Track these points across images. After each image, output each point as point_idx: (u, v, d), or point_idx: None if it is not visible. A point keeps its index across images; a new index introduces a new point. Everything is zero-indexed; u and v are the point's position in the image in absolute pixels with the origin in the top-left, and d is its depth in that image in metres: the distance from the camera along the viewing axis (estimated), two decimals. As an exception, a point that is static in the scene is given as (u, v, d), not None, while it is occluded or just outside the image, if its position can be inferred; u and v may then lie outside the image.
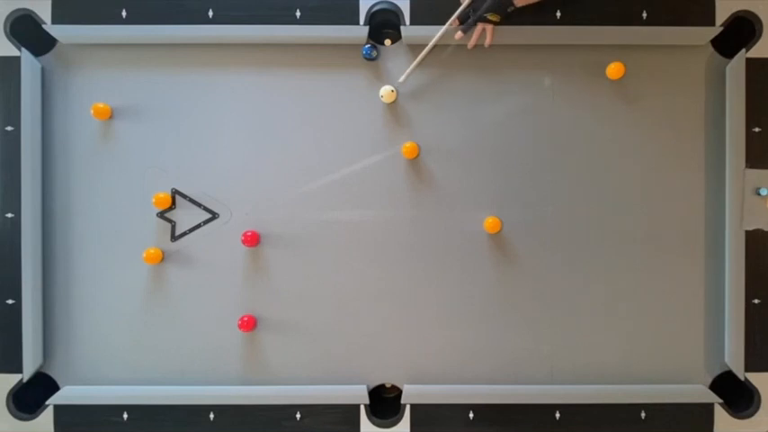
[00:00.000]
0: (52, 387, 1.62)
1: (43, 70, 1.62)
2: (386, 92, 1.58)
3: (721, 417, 1.57)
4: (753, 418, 1.57)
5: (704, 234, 1.63)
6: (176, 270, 1.64)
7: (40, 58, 1.63)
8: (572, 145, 1.64)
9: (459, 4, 1.56)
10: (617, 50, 1.61)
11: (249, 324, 1.60)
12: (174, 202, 1.64)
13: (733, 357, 1.58)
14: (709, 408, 1.58)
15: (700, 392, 1.58)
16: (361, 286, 1.64)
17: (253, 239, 1.60)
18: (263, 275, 1.64)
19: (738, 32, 1.59)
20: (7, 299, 1.59)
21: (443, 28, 1.57)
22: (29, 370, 1.58)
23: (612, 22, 1.59)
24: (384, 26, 1.64)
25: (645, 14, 1.59)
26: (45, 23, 1.59)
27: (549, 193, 1.64)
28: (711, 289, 1.62)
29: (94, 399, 1.58)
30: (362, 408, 1.58)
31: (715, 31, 1.58)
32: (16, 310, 1.58)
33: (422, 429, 1.57)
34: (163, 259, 1.64)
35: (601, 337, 1.63)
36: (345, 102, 1.64)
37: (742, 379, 1.58)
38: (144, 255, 1.61)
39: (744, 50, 1.58)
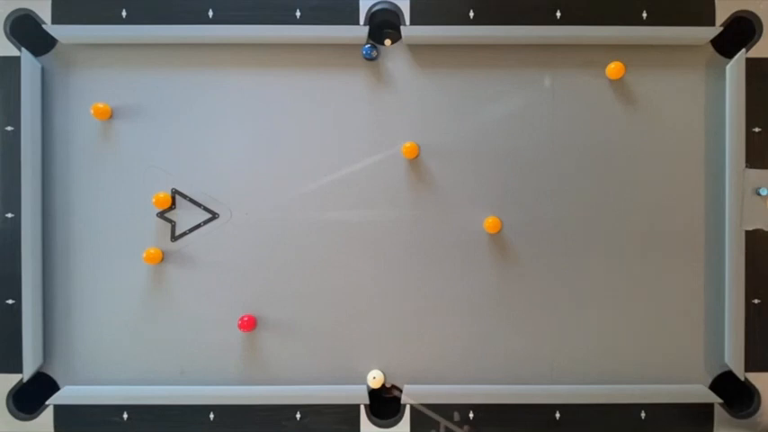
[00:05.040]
0: (52, 387, 1.62)
1: (43, 70, 1.62)
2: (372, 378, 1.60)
3: (721, 417, 1.57)
4: (753, 418, 1.57)
5: (704, 234, 1.63)
6: (176, 270, 1.64)
7: (40, 58, 1.63)
8: (572, 145, 1.64)
9: (458, 5, 1.56)
10: (617, 50, 1.61)
11: (249, 324, 1.60)
12: (174, 202, 1.64)
13: (733, 357, 1.58)
14: (709, 408, 1.58)
15: (700, 392, 1.58)
16: (361, 286, 1.64)
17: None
18: (263, 275, 1.64)
19: (738, 32, 1.59)
20: (7, 299, 1.59)
21: None
22: (29, 370, 1.58)
23: (612, 22, 1.59)
24: (384, 26, 1.64)
25: (645, 14, 1.60)
26: (45, 23, 1.59)
27: (548, 193, 1.64)
28: (711, 289, 1.62)
29: (94, 399, 1.58)
30: (362, 408, 1.58)
31: (715, 31, 1.58)
32: (16, 310, 1.58)
33: (422, 429, 1.57)
34: (163, 259, 1.63)
35: (600, 337, 1.63)
36: (345, 102, 1.64)
37: (742, 379, 1.58)
38: (144, 255, 1.61)
39: (744, 50, 1.58)
